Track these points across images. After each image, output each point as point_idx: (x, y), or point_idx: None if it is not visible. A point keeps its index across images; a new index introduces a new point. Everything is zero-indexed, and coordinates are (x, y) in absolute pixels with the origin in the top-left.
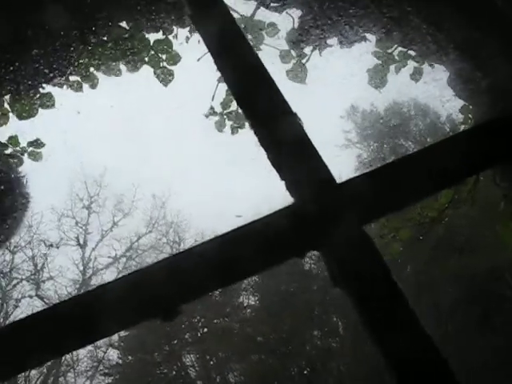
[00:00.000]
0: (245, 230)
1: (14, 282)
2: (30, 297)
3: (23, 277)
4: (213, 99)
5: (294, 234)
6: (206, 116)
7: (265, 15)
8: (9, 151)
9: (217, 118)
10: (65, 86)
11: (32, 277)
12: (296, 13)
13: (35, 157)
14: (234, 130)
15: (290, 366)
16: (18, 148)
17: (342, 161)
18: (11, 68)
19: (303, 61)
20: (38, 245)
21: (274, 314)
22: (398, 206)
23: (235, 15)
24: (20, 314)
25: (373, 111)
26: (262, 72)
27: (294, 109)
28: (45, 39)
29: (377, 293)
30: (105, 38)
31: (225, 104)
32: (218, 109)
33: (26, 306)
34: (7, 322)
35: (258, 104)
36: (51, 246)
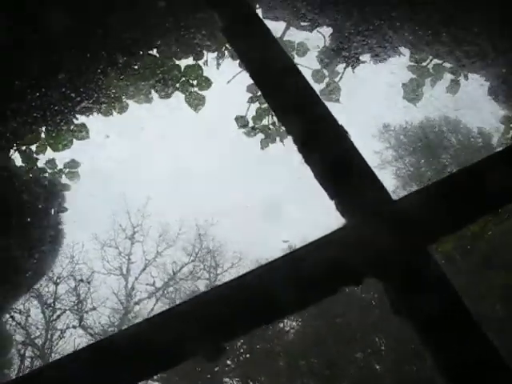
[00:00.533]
0: (298, 255)
1: (58, 312)
2: (74, 327)
3: (66, 307)
4: (246, 115)
5: (350, 260)
6: (239, 126)
7: (294, 35)
8: (46, 174)
9: (248, 128)
10: (94, 112)
11: (75, 307)
12: (327, 31)
13: (72, 176)
14: (263, 144)
15: None
16: (55, 170)
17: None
18: (44, 101)
19: (336, 79)
20: (81, 275)
21: (317, 338)
22: (459, 223)
23: None
24: (64, 344)
25: (406, 128)
26: (308, 90)
27: None
28: (76, 70)
29: (447, 324)
30: (136, 67)
31: (256, 118)
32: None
33: (69, 337)
34: (53, 354)
35: (305, 124)
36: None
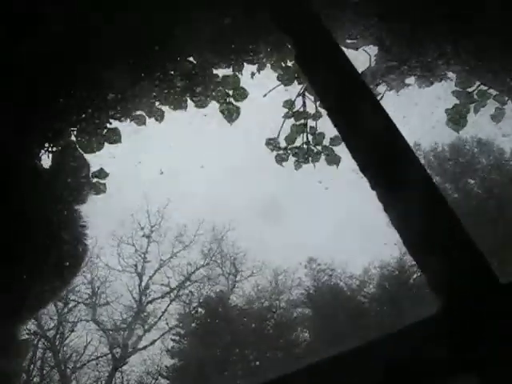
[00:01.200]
0: (389, 339)
1: (71, 305)
2: (87, 321)
3: (79, 300)
4: (278, 135)
5: (449, 350)
6: (271, 149)
7: None
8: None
9: (280, 152)
10: (128, 120)
11: (88, 301)
12: (373, 49)
13: (98, 190)
14: (297, 165)
15: None
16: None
17: None
18: (78, 103)
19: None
20: (96, 269)
21: (328, 351)
22: None
23: None
24: (76, 338)
25: (436, 148)
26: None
27: None
28: (111, 74)
29: None
30: (172, 73)
31: (290, 140)
32: (283, 143)
33: (81, 331)
34: (63, 345)
35: (387, 167)
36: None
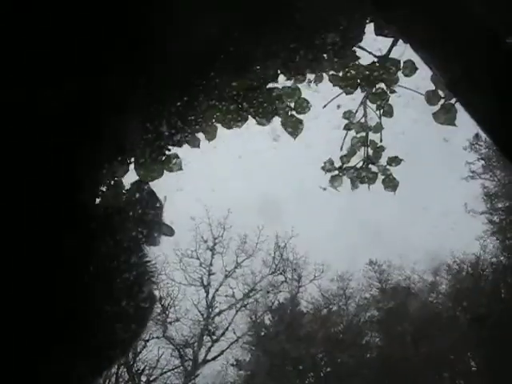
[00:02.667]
0: None
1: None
2: (158, 338)
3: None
4: (341, 148)
5: None
6: (324, 171)
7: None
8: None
9: (335, 172)
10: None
11: (158, 317)
12: None
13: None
14: (354, 185)
15: None
16: None
17: (468, 193)
18: (137, 132)
19: (452, 101)
20: (163, 286)
21: (400, 356)
22: None
23: (365, 56)
24: (148, 353)
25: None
26: None
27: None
28: (167, 94)
29: None
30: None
31: (349, 154)
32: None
33: (152, 346)
34: (136, 361)
35: None
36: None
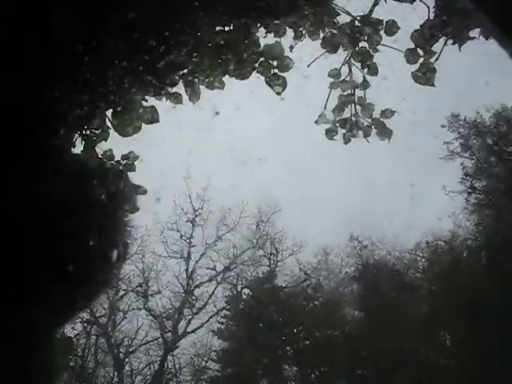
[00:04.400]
0: None
1: (122, 293)
2: (139, 309)
3: (130, 289)
4: (325, 107)
5: None
6: (317, 123)
7: (383, 11)
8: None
9: (328, 125)
10: (163, 99)
11: (138, 288)
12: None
13: (130, 167)
14: (346, 139)
15: (396, 381)
16: (112, 162)
17: (447, 173)
18: (128, 65)
19: (432, 60)
20: (147, 258)
21: (378, 329)
22: None
23: (346, 17)
24: (127, 323)
25: (477, 120)
26: None
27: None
28: (162, 32)
29: None
30: (210, 44)
31: (337, 111)
32: (330, 116)
33: (132, 316)
34: (116, 333)
35: None
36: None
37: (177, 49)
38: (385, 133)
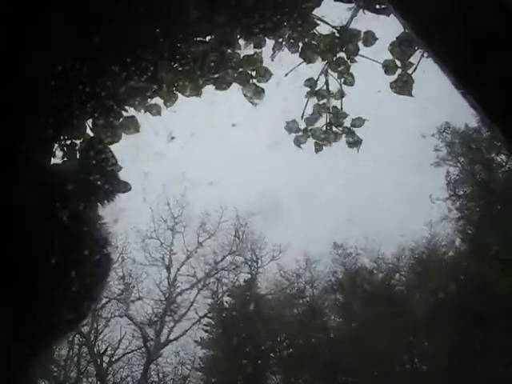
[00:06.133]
0: None
1: (104, 301)
2: (120, 316)
3: (111, 297)
4: (302, 116)
5: None
6: (288, 131)
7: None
8: None
9: (299, 134)
10: (142, 111)
11: (120, 296)
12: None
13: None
14: (318, 148)
15: None
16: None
17: (433, 178)
18: (91, 91)
19: (409, 71)
20: (127, 264)
21: (360, 336)
22: None
23: (326, 27)
24: (110, 332)
25: (462, 129)
26: None
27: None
28: (124, 58)
29: None
30: (189, 56)
31: (311, 120)
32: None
33: (114, 325)
34: (98, 340)
35: None
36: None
37: (137, 75)
38: (354, 141)
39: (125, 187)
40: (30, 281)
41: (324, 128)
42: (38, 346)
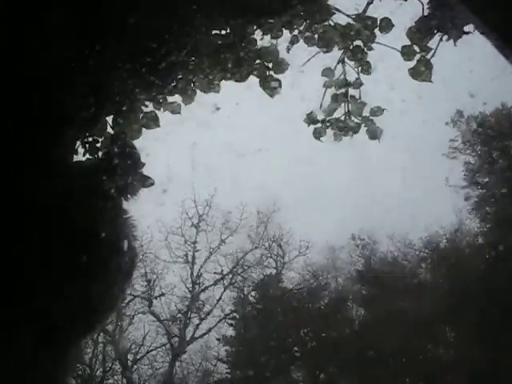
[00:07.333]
0: None
1: (128, 298)
2: (144, 313)
3: (135, 294)
4: (321, 106)
5: None
6: (307, 123)
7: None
8: None
9: (318, 125)
10: (162, 109)
11: (144, 294)
12: None
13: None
14: (337, 138)
15: (403, 380)
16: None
17: (450, 169)
18: (117, 83)
19: (428, 56)
20: (150, 263)
21: (385, 327)
22: None
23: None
24: (134, 331)
25: (478, 116)
26: None
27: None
28: (147, 50)
29: None
30: (205, 50)
31: (329, 110)
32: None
33: (138, 322)
34: (123, 338)
35: None
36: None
37: (177, 50)
38: (374, 132)
39: (147, 182)
40: (56, 280)
41: (343, 118)
42: (63, 348)
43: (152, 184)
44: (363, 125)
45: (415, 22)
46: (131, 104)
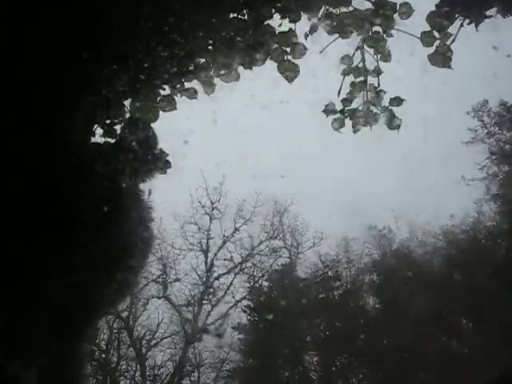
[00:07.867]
0: None
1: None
2: (159, 297)
3: (149, 279)
4: (339, 94)
5: None
6: (326, 114)
7: None
8: None
9: (336, 115)
10: (179, 95)
11: (159, 279)
12: None
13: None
14: (355, 128)
15: (416, 372)
16: None
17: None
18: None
19: (448, 42)
20: (165, 248)
21: (399, 318)
22: None
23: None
24: (147, 317)
25: (501, 107)
26: None
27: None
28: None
29: None
30: (223, 34)
31: (347, 101)
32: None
33: (153, 310)
34: (136, 323)
35: None
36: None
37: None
38: (393, 122)
39: (164, 165)
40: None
41: (361, 108)
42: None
43: (169, 167)
44: (382, 115)
45: (436, 6)
46: (148, 88)
